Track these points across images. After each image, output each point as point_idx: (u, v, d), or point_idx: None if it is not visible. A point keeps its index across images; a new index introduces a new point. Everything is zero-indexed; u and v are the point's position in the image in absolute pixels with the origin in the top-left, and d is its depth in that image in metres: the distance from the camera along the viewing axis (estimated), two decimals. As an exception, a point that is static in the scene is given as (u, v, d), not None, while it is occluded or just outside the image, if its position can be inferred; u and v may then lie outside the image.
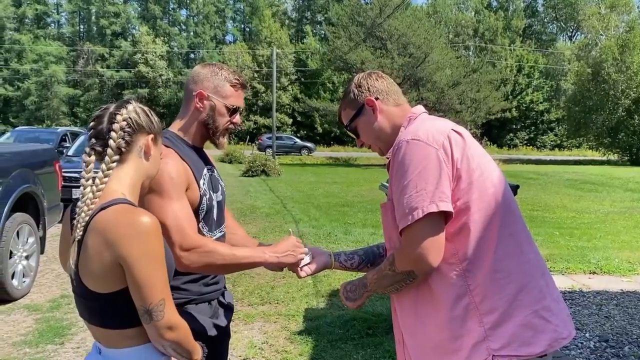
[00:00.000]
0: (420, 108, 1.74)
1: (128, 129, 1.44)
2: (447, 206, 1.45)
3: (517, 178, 16.81)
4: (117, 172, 1.44)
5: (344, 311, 4.67)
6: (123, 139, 1.44)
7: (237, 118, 1.95)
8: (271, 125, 30.66)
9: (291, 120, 50.47)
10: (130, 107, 1.48)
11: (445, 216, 1.47)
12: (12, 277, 4.89)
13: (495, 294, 1.46)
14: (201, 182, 1.86)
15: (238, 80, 1.92)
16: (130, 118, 1.46)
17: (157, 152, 1.53)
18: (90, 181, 1.40)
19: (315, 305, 4.89)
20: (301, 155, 35.94)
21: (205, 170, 1.92)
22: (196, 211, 1.83)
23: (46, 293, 5.16)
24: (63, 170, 6.44)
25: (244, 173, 18.93)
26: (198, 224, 1.85)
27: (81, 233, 1.34)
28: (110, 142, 1.42)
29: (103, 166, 1.42)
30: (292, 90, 51.23)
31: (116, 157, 1.43)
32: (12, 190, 4.88)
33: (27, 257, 5.18)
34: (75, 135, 13.80)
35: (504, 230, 1.50)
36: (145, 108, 1.52)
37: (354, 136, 1.80)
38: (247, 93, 1.99)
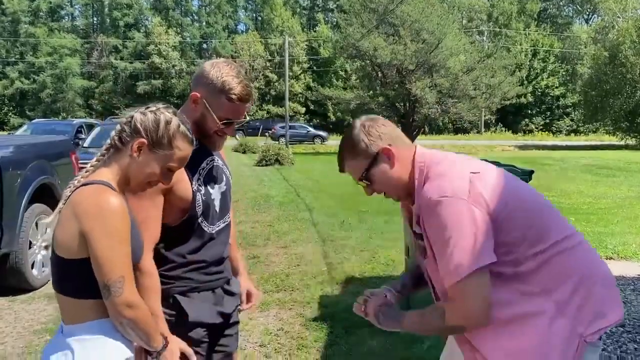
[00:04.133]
0: (421, 150, 1.70)
1: (126, 127, 1.55)
2: (490, 257, 1.48)
3: (532, 164, 16.65)
4: (111, 162, 1.56)
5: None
6: (119, 135, 1.56)
7: (230, 130, 1.86)
8: (284, 114, 30.66)
9: (304, 109, 50.42)
10: (152, 108, 1.58)
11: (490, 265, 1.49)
12: (32, 266, 4.99)
13: (569, 282, 1.53)
14: (195, 177, 1.83)
15: (236, 95, 1.79)
16: (132, 117, 1.56)
17: (148, 159, 1.55)
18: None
19: (330, 292, 4.92)
20: (314, 144, 35.92)
21: (204, 164, 1.88)
22: (192, 208, 1.81)
23: (65, 282, 5.26)
24: (79, 161, 6.51)
25: (257, 162, 18.99)
26: (197, 220, 1.84)
27: (63, 204, 1.48)
28: (111, 133, 1.59)
29: (98, 153, 1.59)
30: (305, 78, 51.13)
31: (107, 147, 1.58)
32: (30, 181, 4.96)
33: (46, 247, 5.27)
34: (90, 127, 13.95)
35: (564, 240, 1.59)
36: (165, 118, 1.56)
37: (364, 185, 1.72)
38: (251, 104, 1.91)
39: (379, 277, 5.40)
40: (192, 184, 1.81)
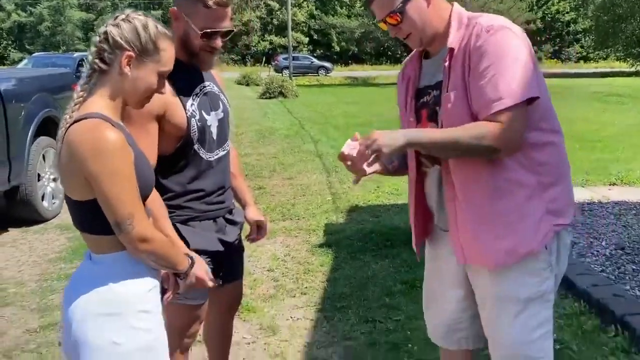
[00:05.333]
0: (458, 6, 1.71)
1: (104, 45, 1.43)
2: (540, 93, 1.55)
3: (540, 92, 16.40)
4: (99, 87, 1.45)
5: (362, 225, 4.80)
6: (100, 57, 1.44)
7: (217, 42, 1.78)
8: (287, 45, 29.96)
9: (307, 39, 49.27)
10: (121, 17, 1.46)
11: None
12: (42, 198, 5.09)
13: (553, 173, 1.65)
14: (188, 104, 1.80)
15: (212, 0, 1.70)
16: (107, 33, 1.43)
17: (141, 71, 1.46)
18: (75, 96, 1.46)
19: (335, 221, 5.02)
20: (318, 75, 35.35)
21: (197, 89, 1.85)
22: (187, 135, 1.79)
23: (76, 214, 5.38)
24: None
25: (261, 95, 18.80)
26: (193, 146, 1.83)
27: (60, 145, 1.40)
28: (88, 57, 1.45)
29: (81, 81, 1.47)
30: (308, 6, 49.62)
31: (89, 73, 1.46)
32: (34, 114, 4.96)
33: (54, 180, 5.35)
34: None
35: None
36: (141, 23, 1.46)
37: (392, 23, 1.66)
38: (232, 11, 1.78)
39: (384, 205, 5.48)
40: (185, 111, 1.79)
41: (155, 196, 1.68)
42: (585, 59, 46.00)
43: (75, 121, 1.39)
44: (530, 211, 1.62)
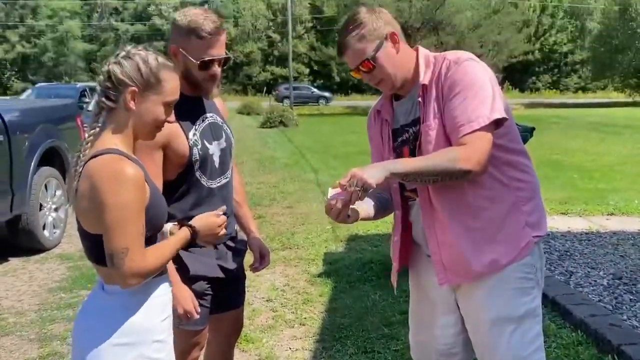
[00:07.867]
0: (422, 48, 1.84)
1: (108, 84, 1.48)
2: (506, 115, 1.66)
3: (539, 122, 16.50)
4: (108, 124, 1.50)
5: (362, 255, 4.81)
6: (104, 94, 1.49)
7: (216, 69, 1.85)
8: (288, 75, 30.35)
9: (308, 69, 49.78)
10: (121, 55, 1.51)
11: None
12: (43, 228, 5.12)
13: (529, 188, 1.77)
14: (191, 133, 1.86)
15: (204, 30, 1.78)
16: (109, 71, 1.48)
17: (146, 104, 1.50)
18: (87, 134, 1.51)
19: (334, 250, 5.03)
20: (319, 105, 35.66)
21: (199, 120, 1.92)
22: (189, 162, 1.86)
23: (76, 243, 5.37)
24: (84, 124, 6.57)
25: (262, 124, 18.97)
26: (195, 174, 1.89)
27: (77, 180, 1.45)
28: (95, 96, 1.54)
29: (90, 120, 1.53)
30: (308, 38, 50.33)
31: (97, 112, 1.52)
32: (37, 145, 5.03)
33: (56, 210, 5.38)
34: (94, 90, 13.91)
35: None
36: (141, 58, 1.50)
37: (365, 70, 1.75)
38: (225, 37, 1.86)
39: (383, 234, 5.49)
40: (188, 140, 1.85)
41: None
42: (584, 89, 46.37)
43: (94, 156, 1.43)
44: (510, 224, 1.72)
